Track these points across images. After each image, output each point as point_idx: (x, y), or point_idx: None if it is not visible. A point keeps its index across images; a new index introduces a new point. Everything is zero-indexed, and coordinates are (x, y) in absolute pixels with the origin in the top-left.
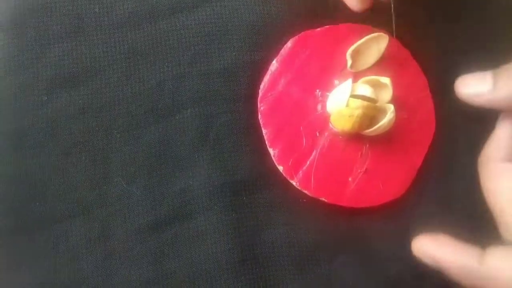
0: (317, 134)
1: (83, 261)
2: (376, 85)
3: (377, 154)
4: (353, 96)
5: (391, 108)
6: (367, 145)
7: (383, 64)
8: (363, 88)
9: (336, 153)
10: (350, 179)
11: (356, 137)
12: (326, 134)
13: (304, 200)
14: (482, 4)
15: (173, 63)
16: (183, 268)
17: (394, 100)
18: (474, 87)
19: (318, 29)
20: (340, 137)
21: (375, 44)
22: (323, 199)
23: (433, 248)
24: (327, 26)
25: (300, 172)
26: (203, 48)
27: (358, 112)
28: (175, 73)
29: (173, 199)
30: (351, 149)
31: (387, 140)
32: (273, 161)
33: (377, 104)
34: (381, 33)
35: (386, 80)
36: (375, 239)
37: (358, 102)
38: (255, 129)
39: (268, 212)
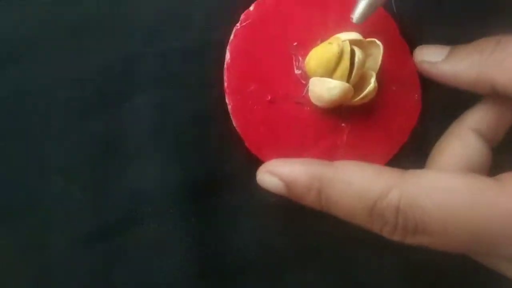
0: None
1: (12, 276)
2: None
3: (357, 130)
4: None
5: (373, 75)
6: (344, 124)
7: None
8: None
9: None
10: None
11: (334, 111)
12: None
13: (274, 199)
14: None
15: (124, 41)
16: (132, 283)
17: (383, 72)
18: (429, 55)
19: None
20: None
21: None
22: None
23: (278, 164)
24: None
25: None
26: (160, 25)
27: (345, 45)
28: (126, 52)
29: (121, 201)
30: (328, 120)
31: (369, 117)
32: (240, 158)
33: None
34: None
35: (378, 43)
36: (352, 244)
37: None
38: (221, 120)
39: (233, 216)
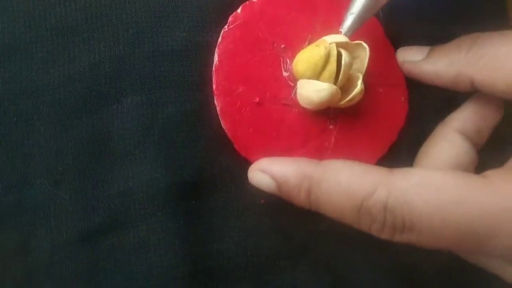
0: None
1: None
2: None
3: (345, 132)
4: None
5: (359, 77)
6: (332, 126)
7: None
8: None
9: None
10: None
11: (322, 113)
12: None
13: (262, 202)
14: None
15: (111, 42)
16: (121, 285)
17: (370, 74)
18: (410, 55)
19: None
20: (301, 110)
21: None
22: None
23: (270, 162)
24: None
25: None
26: (147, 26)
27: (332, 48)
28: (113, 53)
29: (109, 204)
30: (316, 122)
31: (357, 119)
32: (227, 160)
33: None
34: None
35: (364, 45)
36: (340, 243)
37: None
38: (210, 122)
39: (221, 217)
